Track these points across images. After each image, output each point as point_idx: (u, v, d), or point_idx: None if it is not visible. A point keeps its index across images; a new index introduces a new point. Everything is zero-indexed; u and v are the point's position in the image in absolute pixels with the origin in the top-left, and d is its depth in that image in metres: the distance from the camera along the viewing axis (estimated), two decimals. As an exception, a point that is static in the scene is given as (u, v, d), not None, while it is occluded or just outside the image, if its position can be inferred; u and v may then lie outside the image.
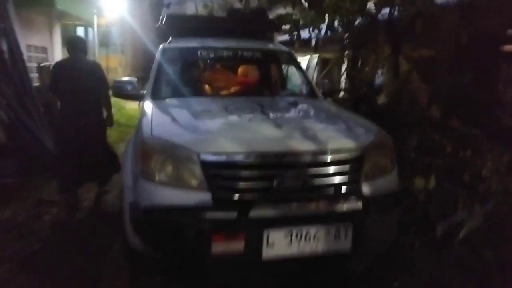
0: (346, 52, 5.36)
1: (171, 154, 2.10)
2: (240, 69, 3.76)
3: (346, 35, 4.98)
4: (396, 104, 4.34)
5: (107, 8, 10.38)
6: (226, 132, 2.32)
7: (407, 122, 4.36)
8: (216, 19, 4.38)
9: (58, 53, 8.20)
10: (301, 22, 5.20)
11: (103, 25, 12.25)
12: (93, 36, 12.83)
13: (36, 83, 6.22)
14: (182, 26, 4.05)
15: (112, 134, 7.90)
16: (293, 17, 5.10)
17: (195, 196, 2.03)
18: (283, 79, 4.26)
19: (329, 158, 2.16)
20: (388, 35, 4.86)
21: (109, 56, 9.17)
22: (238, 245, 1.94)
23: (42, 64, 6.43)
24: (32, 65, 6.64)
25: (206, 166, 2.04)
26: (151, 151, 2.15)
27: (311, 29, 5.35)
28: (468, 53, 5.27)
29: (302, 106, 2.99)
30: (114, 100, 11.74)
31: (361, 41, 4.76)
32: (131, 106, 10.69)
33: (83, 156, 3.95)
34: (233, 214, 1.96)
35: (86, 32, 16.56)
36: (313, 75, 8.57)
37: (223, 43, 3.79)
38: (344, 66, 8.88)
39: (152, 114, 2.63)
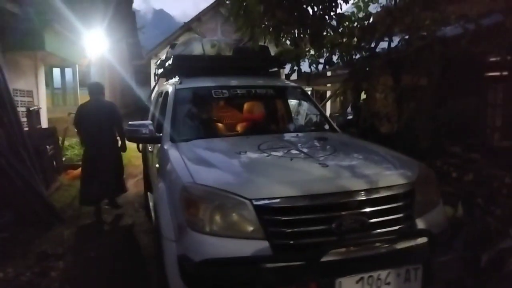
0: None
1: (221, 202, 1.98)
2: (256, 107, 3.71)
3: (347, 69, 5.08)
4: (407, 133, 4.39)
5: (89, 49, 10.24)
6: (274, 174, 2.20)
7: (417, 151, 4.40)
8: (223, 58, 4.27)
9: (43, 96, 7.91)
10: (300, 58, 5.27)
11: (83, 65, 12.05)
12: (72, 77, 12.59)
13: (25, 128, 5.94)
14: (189, 65, 4.03)
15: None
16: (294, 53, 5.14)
17: (252, 245, 1.91)
18: (300, 114, 4.24)
19: (384, 195, 2.10)
20: (388, 67, 4.99)
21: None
22: None
23: (31, 108, 6.19)
24: (20, 109, 6.35)
25: (260, 212, 1.93)
26: (198, 200, 2.03)
27: (309, 62, 5.43)
28: (457, 81, 5.48)
29: (332, 141, 2.90)
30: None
31: (362, 74, 4.84)
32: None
33: (101, 176, 4.97)
34: (297, 263, 1.84)
35: (62, 73, 16.30)
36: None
37: (235, 81, 3.76)
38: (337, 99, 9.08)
39: (182, 159, 2.47)
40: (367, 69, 4.85)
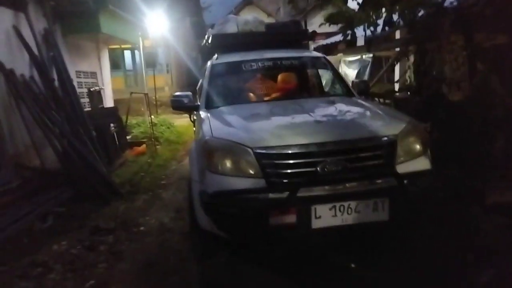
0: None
1: (230, 150, 2.57)
2: (280, 77, 4.22)
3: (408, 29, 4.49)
4: (477, 100, 3.78)
5: (151, 30, 10.48)
6: (274, 129, 2.77)
7: (491, 120, 3.80)
8: (256, 34, 4.80)
9: (107, 77, 8.28)
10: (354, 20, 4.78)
11: (148, 46, 12.45)
12: (139, 58, 13.12)
13: (87, 108, 6.24)
14: (226, 43, 4.59)
15: (163, 152, 7.88)
16: (346, 14, 4.69)
17: (251, 182, 2.48)
18: (320, 82, 4.81)
19: (363, 144, 2.54)
20: (458, 24, 4.31)
21: (155, 77, 9.43)
22: (291, 218, 2.38)
23: (92, 89, 6.48)
24: (83, 90, 6.70)
25: (259, 158, 2.48)
26: (214, 149, 2.63)
27: (365, 26, 4.92)
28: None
29: (339, 104, 3.35)
30: (163, 117, 11.76)
31: (427, 34, 4.24)
32: (180, 122, 10.64)
33: None
34: (284, 194, 2.35)
35: (133, 54, 17.11)
36: (367, 74, 8.09)
37: (263, 55, 4.26)
38: (398, 64, 8.29)
39: (209, 120, 3.09)
40: (432, 27, 4.23)
